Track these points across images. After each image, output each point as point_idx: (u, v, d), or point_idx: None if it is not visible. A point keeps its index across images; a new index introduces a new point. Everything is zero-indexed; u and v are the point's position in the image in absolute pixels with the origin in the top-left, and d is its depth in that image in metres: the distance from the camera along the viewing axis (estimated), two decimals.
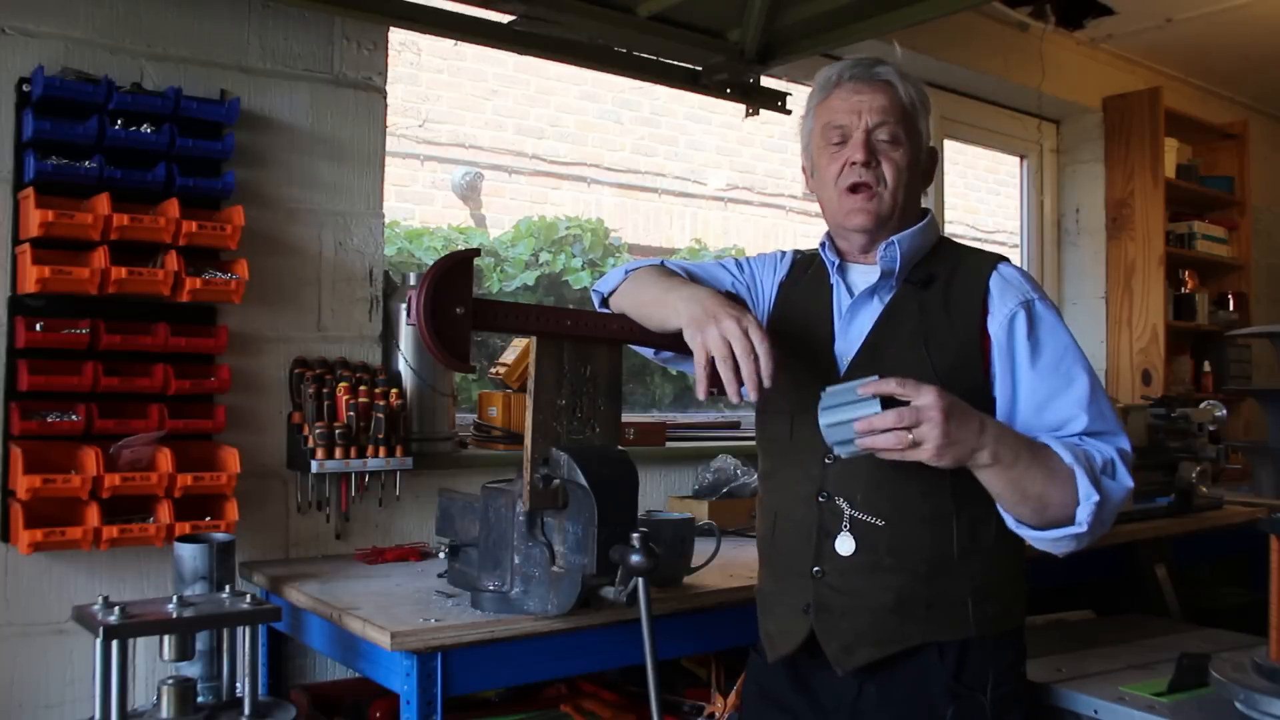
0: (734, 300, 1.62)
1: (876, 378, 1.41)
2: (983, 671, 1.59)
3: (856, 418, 1.39)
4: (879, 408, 1.38)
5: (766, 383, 1.47)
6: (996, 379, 1.58)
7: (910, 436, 1.37)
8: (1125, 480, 1.51)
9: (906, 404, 1.38)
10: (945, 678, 1.58)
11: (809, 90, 1.71)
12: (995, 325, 1.58)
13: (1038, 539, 1.52)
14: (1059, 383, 1.56)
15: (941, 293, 1.62)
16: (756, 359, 1.47)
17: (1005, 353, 1.57)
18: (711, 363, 1.49)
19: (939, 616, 1.58)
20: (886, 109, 1.60)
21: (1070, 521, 1.47)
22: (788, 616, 1.67)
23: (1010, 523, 1.53)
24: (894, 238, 1.61)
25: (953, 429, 1.38)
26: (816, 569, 1.62)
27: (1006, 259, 1.67)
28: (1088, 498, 1.45)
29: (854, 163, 1.60)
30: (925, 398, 1.37)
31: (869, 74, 1.63)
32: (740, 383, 1.48)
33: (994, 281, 1.61)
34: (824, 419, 1.43)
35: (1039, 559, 1.64)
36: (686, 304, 1.57)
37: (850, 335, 1.65)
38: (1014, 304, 1.58)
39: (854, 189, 1.61)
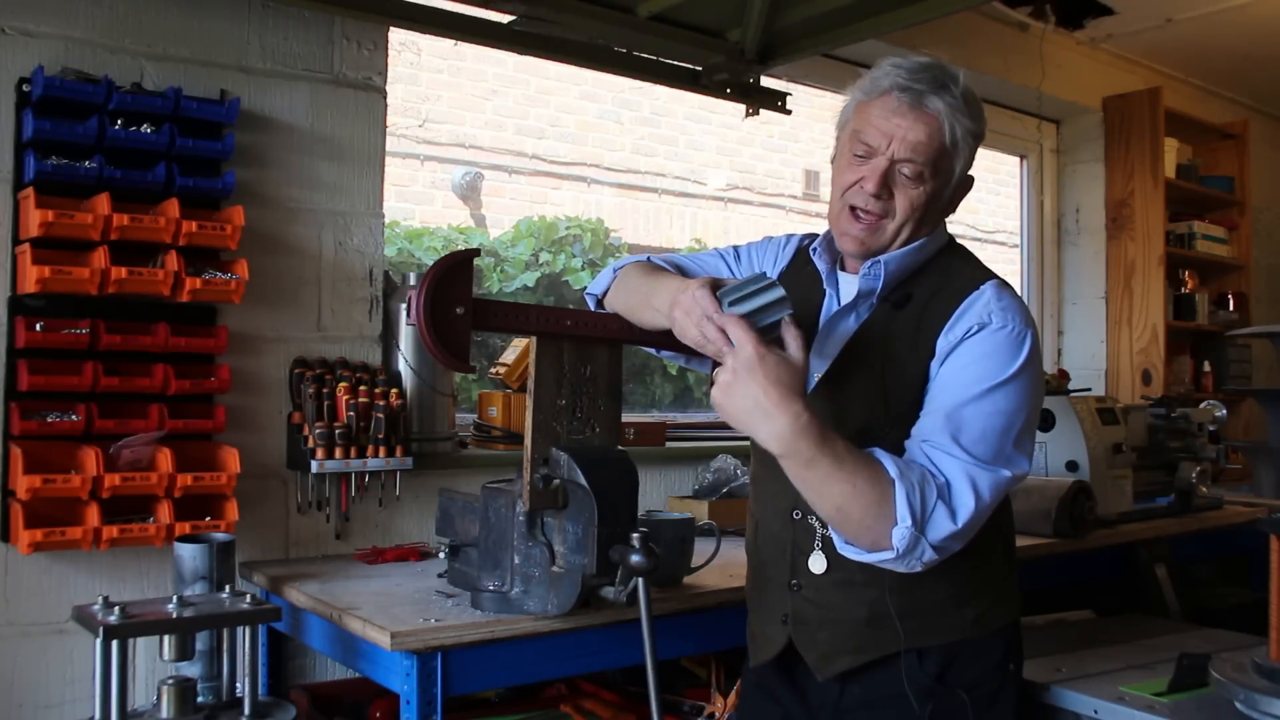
0: (693, 283, 1.52)
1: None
2: (965, 670, 1.59)
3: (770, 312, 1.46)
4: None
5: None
6: None
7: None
8: (964, 504, 1.39)
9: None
10: (926, 679, 1.58)
11: (865, 71, 1.57)
12: (944, 343, 1.50)
13: (864, 559, 1.44)
14: (951, 398, 1.46)
15: (916, 314, 1.55)
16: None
17: (935, 371, 1.51)
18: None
19: (915, 626, 1.57)
20: (919, 146, 1.47)
21: (887, 542, 1.39)
22: (769, 624, 1.69)
23: (838, 543, 1.47)
24: (882, 257, 1.55)
25: (737, 387, 1.36)
26: (794, 582, 1.64)
27: (998, 280, 1.57)
28: (902, 519, 1.37)
29: (865, 189, 1.51)
30: (740, 351, 1.37)
31: (918, 101, 1.47)
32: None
33: (966, 302, 1.52)
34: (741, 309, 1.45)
35: (1038, 559, 1.64)
36: (664, 304, 1.55)
37: (825, 350, 1.60)
38: (966, 326, 1.49)
39: (855, 213, 1.54)
